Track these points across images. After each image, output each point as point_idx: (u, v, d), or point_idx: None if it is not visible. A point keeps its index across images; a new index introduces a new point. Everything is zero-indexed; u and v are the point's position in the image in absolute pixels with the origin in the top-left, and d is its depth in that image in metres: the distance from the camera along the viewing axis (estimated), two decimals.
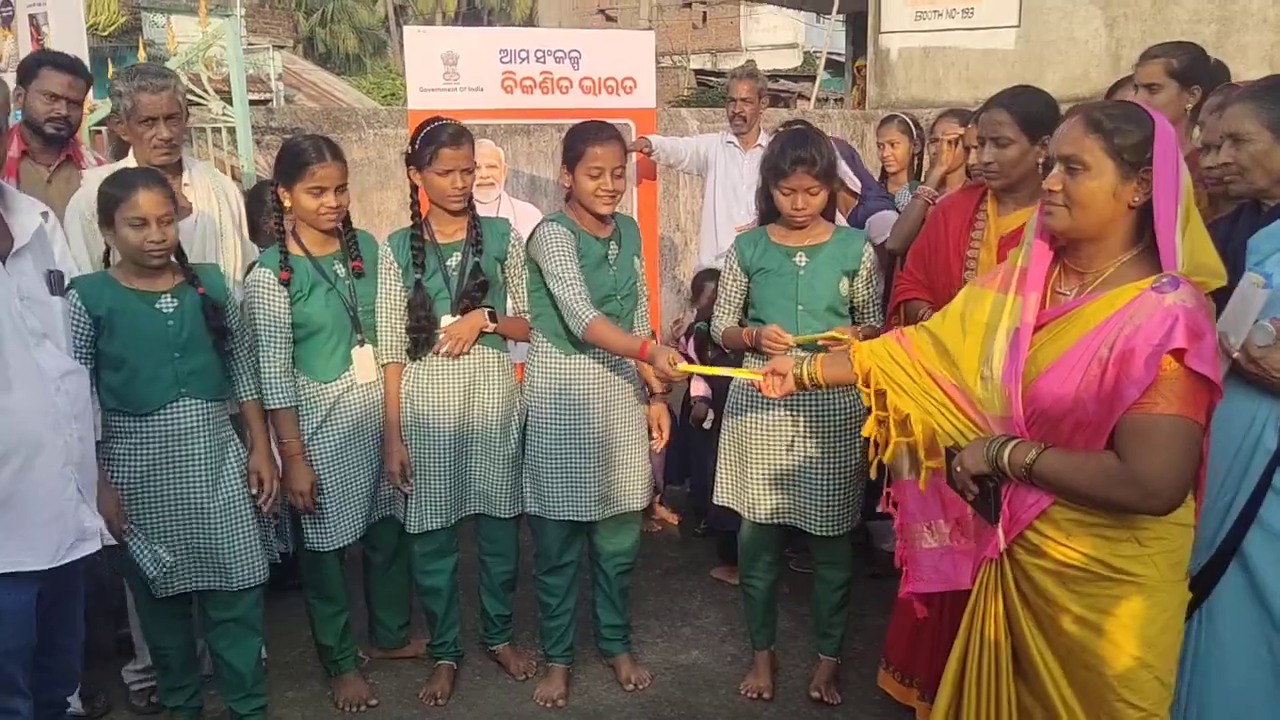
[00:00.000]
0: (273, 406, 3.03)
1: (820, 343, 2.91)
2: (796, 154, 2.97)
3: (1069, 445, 1.93)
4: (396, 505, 3.30)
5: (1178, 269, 1.87)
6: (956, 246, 2.93)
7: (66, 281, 2.56)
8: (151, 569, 2.79)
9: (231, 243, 3.42)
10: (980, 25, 10.03)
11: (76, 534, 2.36)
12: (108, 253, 2.89)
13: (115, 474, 2.78)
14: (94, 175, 3.19)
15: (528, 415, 3.25)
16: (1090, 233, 1.96)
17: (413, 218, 3.19)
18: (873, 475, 2.44)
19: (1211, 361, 1.80)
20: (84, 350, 2.69)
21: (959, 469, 2.09)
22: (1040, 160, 2.77)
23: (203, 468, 2.84)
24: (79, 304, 2.67)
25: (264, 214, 3.51)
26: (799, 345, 2.96)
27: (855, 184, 4.26)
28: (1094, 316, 1.92)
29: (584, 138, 3.09)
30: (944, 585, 2.37)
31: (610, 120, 4.32)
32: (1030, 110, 2.77)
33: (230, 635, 2.98)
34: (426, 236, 3.18)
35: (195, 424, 2.83)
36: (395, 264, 3.16)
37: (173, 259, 2.82)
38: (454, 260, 3.19)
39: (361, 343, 3.14)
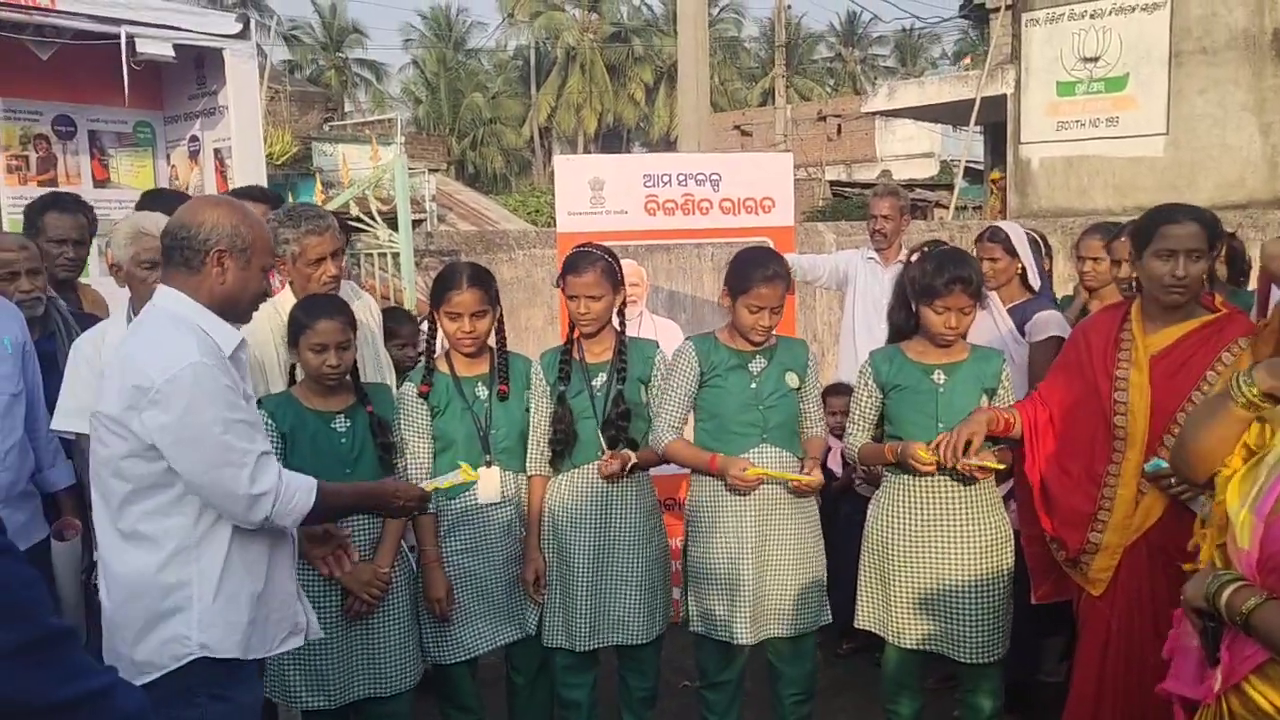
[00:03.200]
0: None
1: (973, 470, 2.89)
2: (955, 273, 2.99)
3: None
4: (534, 623, 3.31)
5: None
6: (1104, 367, 2.86)
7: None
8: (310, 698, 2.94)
9: (384, 357, 3.61)
10: (1126, 134, 9.89)
11: (291, 628, 2.46)
12: (293, 369, 3.12)
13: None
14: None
15: (689, 528, 3.30)
16: None
17: (566, 338, 3.35)
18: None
19: None
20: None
21: (1184, 595, 1.96)
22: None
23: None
24: (268, 421, 2.90)
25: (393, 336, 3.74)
26: (948, 468, 2.94)
27: (1035, 281, 4.04)
28: None
29: (750, 274, 3.13)
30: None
31: (749, 239, 4.49)
32: (1212, 222, 2.72)
33: None
34: (576, 355, 3.32)
35: (364, 538, 2.99)
36: (545, 380, 3.30)
37: (347, 379, 3.03)
38: (599, 380, 3.30)
39: (489, 464, 3.22)
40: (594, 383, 3.30)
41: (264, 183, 5.76)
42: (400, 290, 4.98)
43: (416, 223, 11.26)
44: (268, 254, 2.40)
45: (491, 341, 3.30)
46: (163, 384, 2.12)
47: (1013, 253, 3.95)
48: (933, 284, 3.00)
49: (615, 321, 3.35)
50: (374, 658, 3.01)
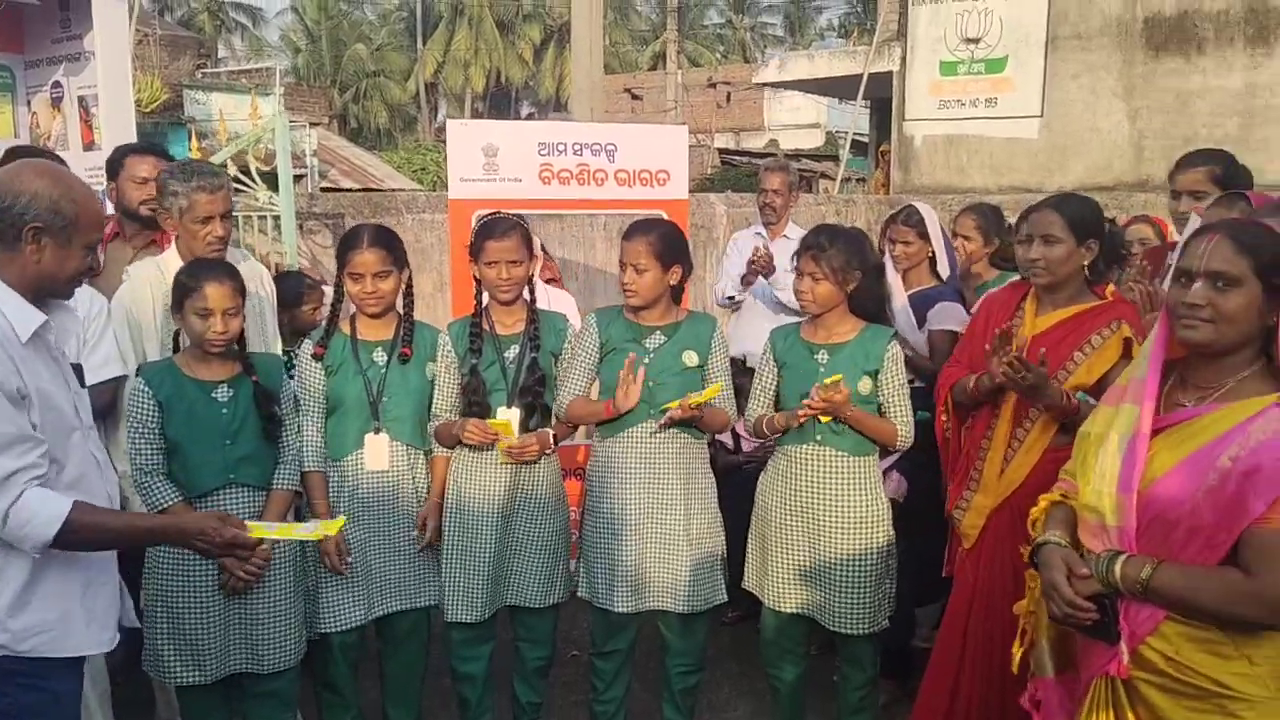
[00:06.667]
0: (307, 469, 3.12)
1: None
2: (807, 239, 3.12)
3: (1179, 555, 1.93)
4: (412, 597, 3.28)
5: None
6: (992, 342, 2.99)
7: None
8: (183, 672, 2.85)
9: (272, 327, 3.55)
10: (1004, 115, 10.23)
11: (118, 617, 2.37)
12: (177, 335, 3.01)
13: (165, 559, 2.86)
14: (135, 269, 3.32)
15: (585, 499, 3.31)
16: (1228, 348, 1.99)
17: (475, 308, 3.31)
18: (1014, 669, 2.32)
19: None
20: (152, 433, 2.81)
21: (1067, 597, 2.02)
22: (1085, 264, 2.86)
23: None
24: (145, 389, 2.80)
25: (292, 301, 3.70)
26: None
27: (945, 269, 4.04)
28: (1215, 426, 1.94)
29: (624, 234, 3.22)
30: None
31: (644, 211, 4.49)
32: (1079, 214, 2.87)
33: (265, 708, 3.03)
34: (486, 326, 3.28)
35: (243, 511, 2.89)
36: (453, 352, 3.25)
37: (234, 347, 2.93)
38: (512, 353, 3.27)
39: (377, 430, 3.19)
40: (506, 354, 3.27)
41: (133, 132, 5.48)
42: (281, 255, 4.80)
43: (296, 178, 10.86)
44: (94, 229, 2.18)
45: (401, 308, 3.27)
46: None
47: (925, 237, 3.98)
48: (799, 250, 3.15)
49: (525, 292, 3.32)
50: (252, 632, 2.94)
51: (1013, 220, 3.54)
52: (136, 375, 2.81)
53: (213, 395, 2.90)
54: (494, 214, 3.34)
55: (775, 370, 3.25)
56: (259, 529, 2.38)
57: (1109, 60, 9.73)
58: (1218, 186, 3.38)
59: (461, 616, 3.25)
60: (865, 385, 3.10)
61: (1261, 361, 1.99)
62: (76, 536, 2.07)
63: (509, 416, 3.19)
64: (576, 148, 4.67)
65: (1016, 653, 2.28)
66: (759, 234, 5.07)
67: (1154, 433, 2.01)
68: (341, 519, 2.73)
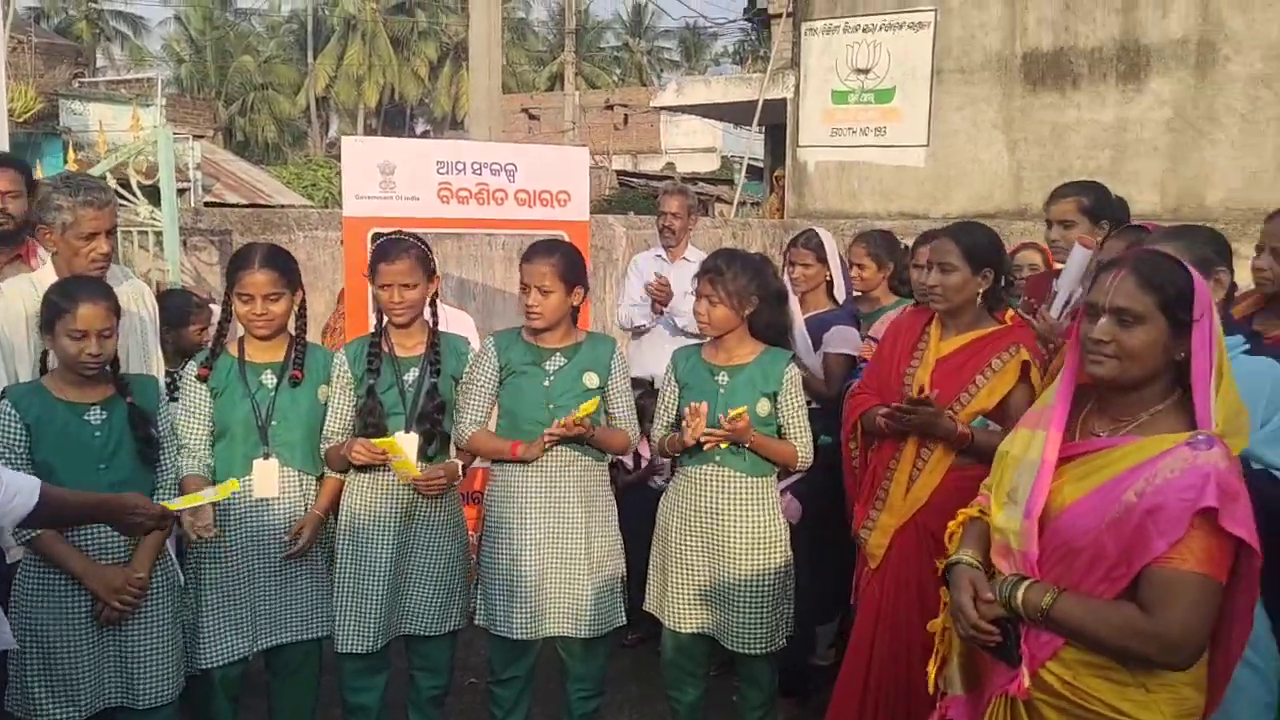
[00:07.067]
0: (186, 475, 3.00)
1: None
2: (707, 263, 3.15)
3: (1080, 584, 1.93)
4: (303, 628, 3.18)
5: (1213, 427, 1.89)
6: (899, 365, 3.07)
7: None
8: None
9: (153, 348, 3.42)
10: (892, 144, 10.55)
11: None
12: (45, 356, 2.86)
13: (34, 588, 2.71)
14: (7, 286, 3.16)
15: (484, 524, 3.25)
16: (1134, 383, 1.98)
17: (376, 328, 3.23)
18: (930, 689, 2.32)
19: (1246, 524, 1.80)
20: (20, 457, 2.67)
21: (971, 619, 2.04)
22: (980, 291, 2.95)
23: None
24: (11, 411, 2.66)
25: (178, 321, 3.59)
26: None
27: (841, 293, 4.11)
28: (1125, 459, 1.93)
29: (524, 256, 3.19)
30: None
31: (544, 231, 4.47)
32: (976, 243, 2.96)
33: None
34: (385, 348, 3.20)
35: (118, 542, 2.77)
36: (350, 373, 3.16)
37: (106, 369, 2.80)
38: (411, 375, 3.20)
39: (266, 455, 3.08)
40: (405, 377, 3.20)
41: (4, 142, 5.21)
42: (164, 272, 4.62)
43: (180, 193, 10.47)
44: None
45: (294, 330, 3.18)
46: None
47: (824, 260, 4.04)
48: (698, 274, 3.18)
49: (427, 314, 3.26)
50: (128, 665, 2.81)
51: (908, 244, 3.65)
52: (1, 398, 2.66)
53: (85, 418, 2.77)
54: (392, 234, 3.27)
55: (677, 390, 3.26)
56: (167, 505, 2.58)
57: (990, 94, 10.13)
58: (1086, 217, 3.54)
59: (354, 647, 3.15)
60: (764, 407, 3.13)
61: (1177, 394, 1.98)
62: (46, 510, 2.19)
63: (407, 442, 3.11)
64: (476, 167, 4.63)
65: (931, 671, 2.29)
66: (659, 256, 5.10)
67: (1066, 460, 2.02)
68: (235, 481, 2.79)
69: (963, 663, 2.22)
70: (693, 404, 3.06)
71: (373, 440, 3.03)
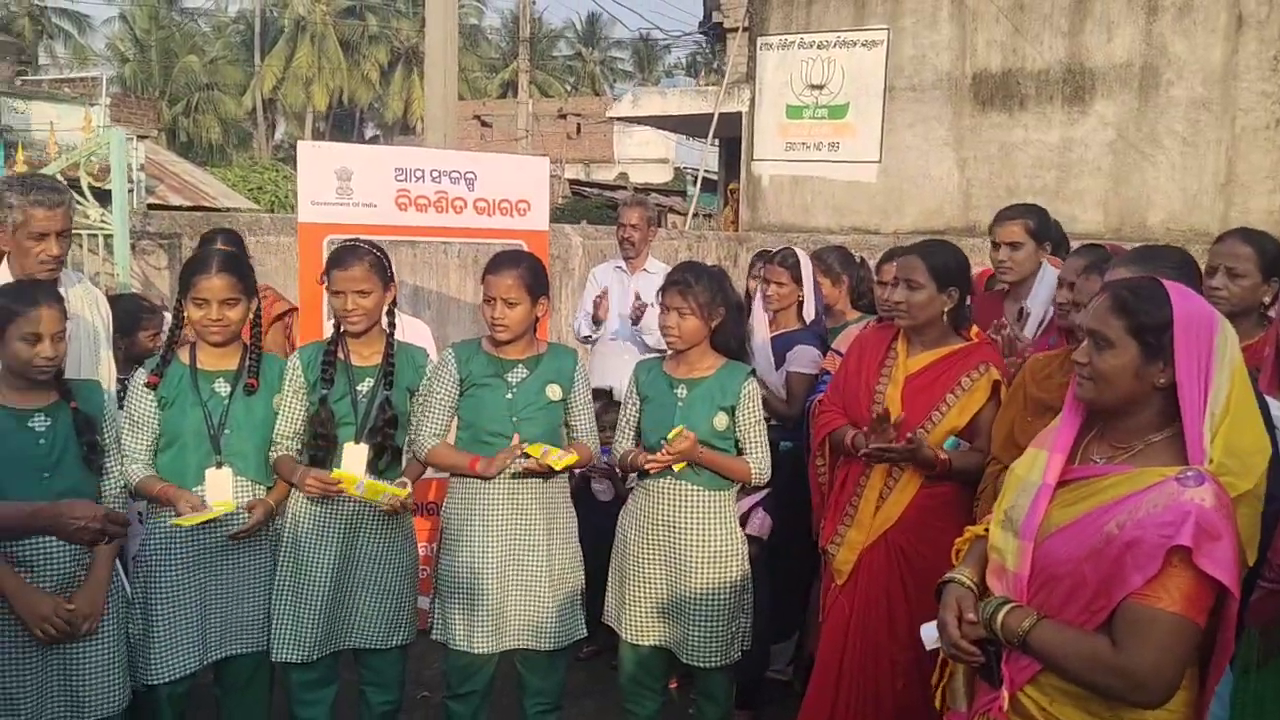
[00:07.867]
0: (133, 481, 2.94)
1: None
2: (673, 275, 3.14)
3: (1063, 609, 1.91)
4: (254, 640, 3.12)
5: (1204, 462, 1.85)
6: (868, 382, 3.09)
7: None
8: None
9: (105, 354, 3.33)
10: (845, 159, 10.66)
11: None
12: None
13: None
14: None
15: (442, 536, 3.21)
16: (1114, 408, 1.97)
17: (332, 336, 3.18)
18: (935, 704, 2.29)
19: (1227, 565, 1.76)
20: None
21: (954, 638, 2.04)
22: (947, 309, 2.98)
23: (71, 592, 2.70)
24: None
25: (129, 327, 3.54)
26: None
27: (810, 313, 4.08)
28: (1114, 489, 1.91)
29: (487, 267, 3.15)
30: None
31: (503, 241, 4.45)
32: (940, 261, 2.99)
33: None
34: (340, 355, 3.15)
35: (64, 553, 2.69)
36: (303, 378, 3.10)
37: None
38: (365, 386, 3.16)
39: (219, 464, 3.02)
40: (359, 387, 3.15)
41: None
42: (112, 276, 4.50)
43: None
44: None
45: (248, 338, 3.11)
46: None
47: (799, 280, 4.03)
48: (664, 286, 3.15)
49: (385, 323, 3.21)
50: (71, 681, 2.73)
51: (872, 261, 3.68)
52: None
53: (29, 424, 2.69)
54: (349, 241, 3.23)
55: (639, 403, 3.25)
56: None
57: (941, 112, 10.28)
58: (1032, 238, 3.63)
59: (289, 656, 3.09)
60: (721, 421, 3.12)
61: (1175, 425, 1.93)
62: None
63: (356, 452, 3.06)
64: (435, 174, 4.58)
65: (936, 685, 2.25)
66: (619, 268, 5.10)
67: (1063, 483, 2.01)
68: (232, 503, 2.88)
69: (968, 678, 2.19)
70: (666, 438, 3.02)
71: (331, 471, 2.98)
